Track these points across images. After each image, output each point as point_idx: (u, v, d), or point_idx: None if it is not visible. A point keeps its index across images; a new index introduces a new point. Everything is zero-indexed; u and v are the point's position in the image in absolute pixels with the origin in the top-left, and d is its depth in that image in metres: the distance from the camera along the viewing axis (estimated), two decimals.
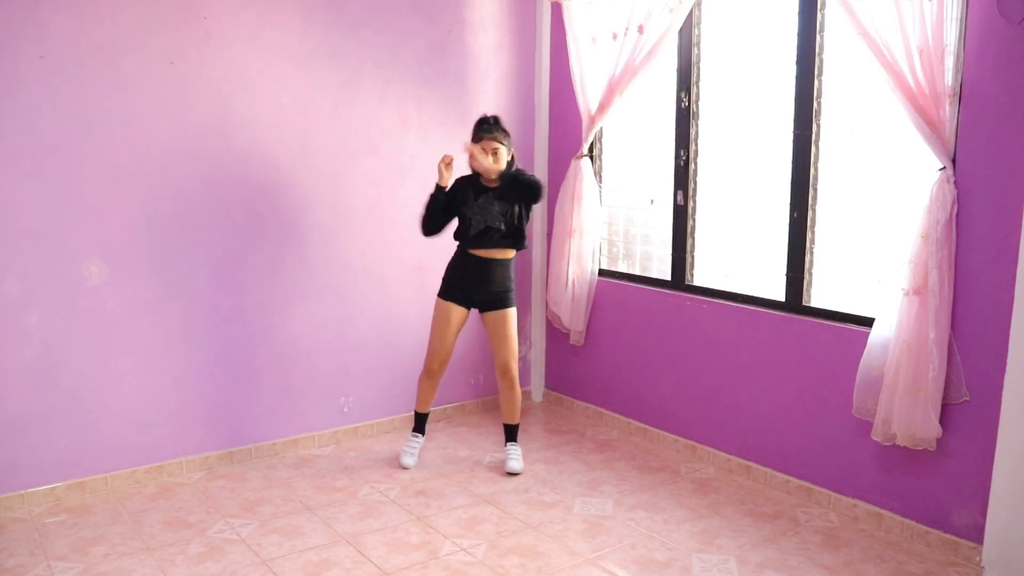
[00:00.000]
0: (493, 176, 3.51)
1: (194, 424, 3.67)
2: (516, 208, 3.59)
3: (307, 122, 3.80)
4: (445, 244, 4.17)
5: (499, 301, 3.65)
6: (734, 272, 3.81)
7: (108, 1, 3.25)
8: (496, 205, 3.56)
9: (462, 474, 3.71)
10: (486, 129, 3.56)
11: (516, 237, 3.63)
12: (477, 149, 3.48)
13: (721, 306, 3.73)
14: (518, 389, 3.75)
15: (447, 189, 3.59)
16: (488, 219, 3.56)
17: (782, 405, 3.50)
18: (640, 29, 3.79)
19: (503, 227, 3.57)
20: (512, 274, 3.69)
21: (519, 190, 3.51)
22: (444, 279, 3.71)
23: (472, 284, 3.63)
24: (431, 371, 3.76)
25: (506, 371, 3.70)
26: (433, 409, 4.34)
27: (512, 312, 3.68)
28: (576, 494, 3.50)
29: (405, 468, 3.75)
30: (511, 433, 3.83)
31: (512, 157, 3.61)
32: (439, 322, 3.69)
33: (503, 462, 3.79)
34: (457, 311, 3.67)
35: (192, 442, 3.67)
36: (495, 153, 3.51)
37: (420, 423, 3.89)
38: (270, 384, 3.86)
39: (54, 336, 3.30)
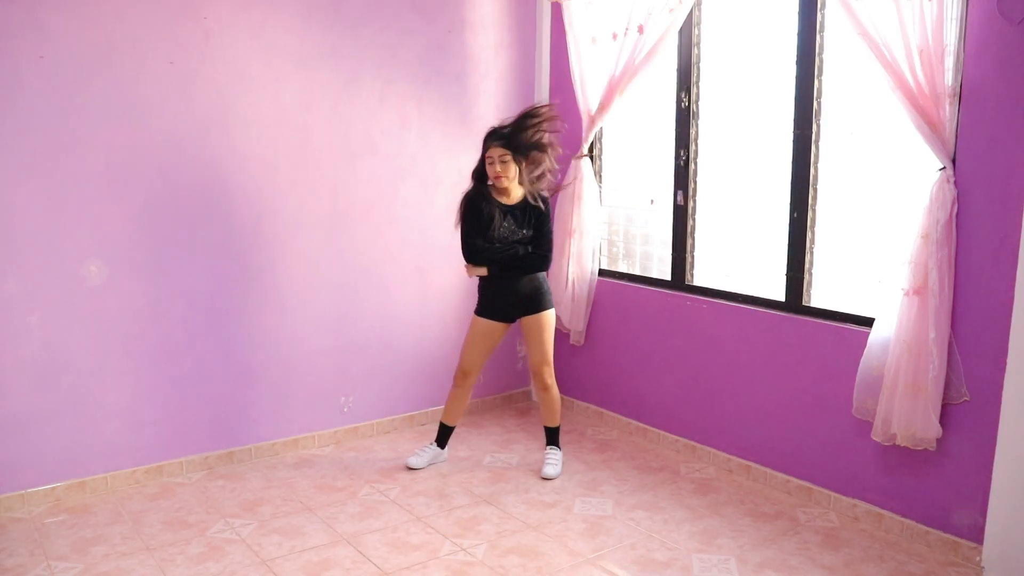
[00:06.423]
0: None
1: (194, 424, 3.66)
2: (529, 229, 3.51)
3: (307, 122, 3.80)
4: (444, 243, 4.17)
5: (534, 305, 3.56)
6: (734, 272, 3.81)
7: (108, 1, 3.25)
8: (519, 231, 3.50)
9: (462, 474, 3.71)
10: (493, 136, 3.45)
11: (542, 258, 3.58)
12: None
13: (721, 306, 3.73)
14: (554, 392, 3.69)
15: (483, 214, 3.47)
16: (510, 249, 3.49)
17: (782, 405, 3.50)
18: (640, 29, 3.79)
19: (525, 249, 3.52)
20: (543, 276, 3.62)
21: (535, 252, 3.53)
22: (480, 299, 3.62)
23: (505, 300, 3.56)
24: (456, 380, 3.69)
25: (537, 374, 3.66)
26: (432, 409, 4.34)
27: (546, 315, 3.59)
28: (576, 494, 3.50)
29: (411, 469, 3.70)
30: (551, 436, 3.77)
31: (543, 175, 3.52)
32: (475, 337, 3.61)
33: (540, 464, 3.77)
34: (496, 328, 3.60)
35: (192, 442, 3.67)
36: (503, 162, 3.42)
37: (442, 436, 3.78)
38: (270, 384, 3.85)
39: (54, 336, 3.30)
